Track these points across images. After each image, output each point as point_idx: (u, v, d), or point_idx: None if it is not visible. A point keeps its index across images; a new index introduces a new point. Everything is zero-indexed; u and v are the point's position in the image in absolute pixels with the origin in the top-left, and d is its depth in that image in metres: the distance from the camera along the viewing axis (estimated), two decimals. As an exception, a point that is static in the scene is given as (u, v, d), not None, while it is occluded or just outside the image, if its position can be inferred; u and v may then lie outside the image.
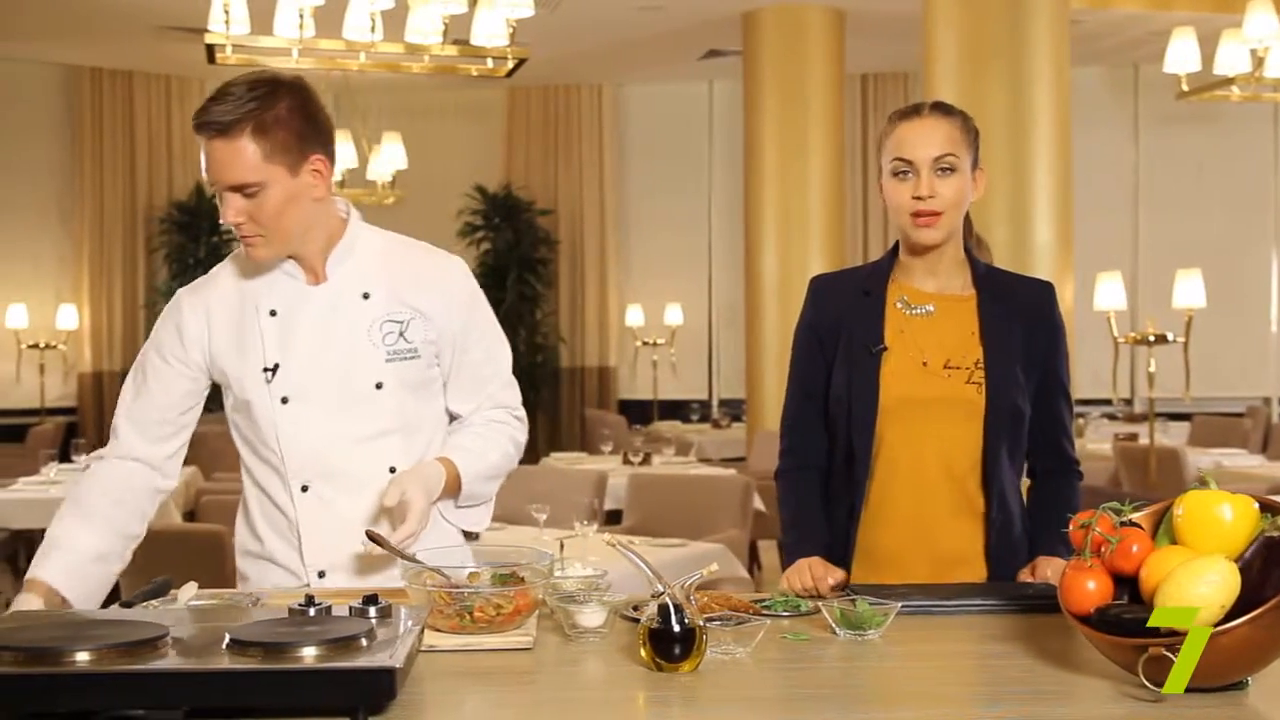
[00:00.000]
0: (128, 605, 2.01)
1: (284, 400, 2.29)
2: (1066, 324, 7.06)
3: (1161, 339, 7.13)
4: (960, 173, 2.33)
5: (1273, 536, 1.56)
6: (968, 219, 2.50)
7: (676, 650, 1.74)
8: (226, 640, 1.56)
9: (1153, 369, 7.19)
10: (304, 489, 2.31)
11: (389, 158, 9.54)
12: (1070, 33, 10.09)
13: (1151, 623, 1.57)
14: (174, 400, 2.37)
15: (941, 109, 2.38)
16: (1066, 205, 6.76)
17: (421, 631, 1.74)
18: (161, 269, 11.33)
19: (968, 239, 2.48)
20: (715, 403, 12.18)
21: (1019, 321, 2.39)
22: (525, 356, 11.90)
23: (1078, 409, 10.00)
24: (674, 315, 11.99)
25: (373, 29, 6.83)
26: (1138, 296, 11.16)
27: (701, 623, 1.76)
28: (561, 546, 2.41)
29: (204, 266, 11.19)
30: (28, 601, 2.18)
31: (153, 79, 11.41)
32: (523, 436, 2.48)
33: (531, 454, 10.50)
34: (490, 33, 6.74)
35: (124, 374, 10.10)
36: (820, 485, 2.46)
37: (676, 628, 1.74)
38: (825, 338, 2.43)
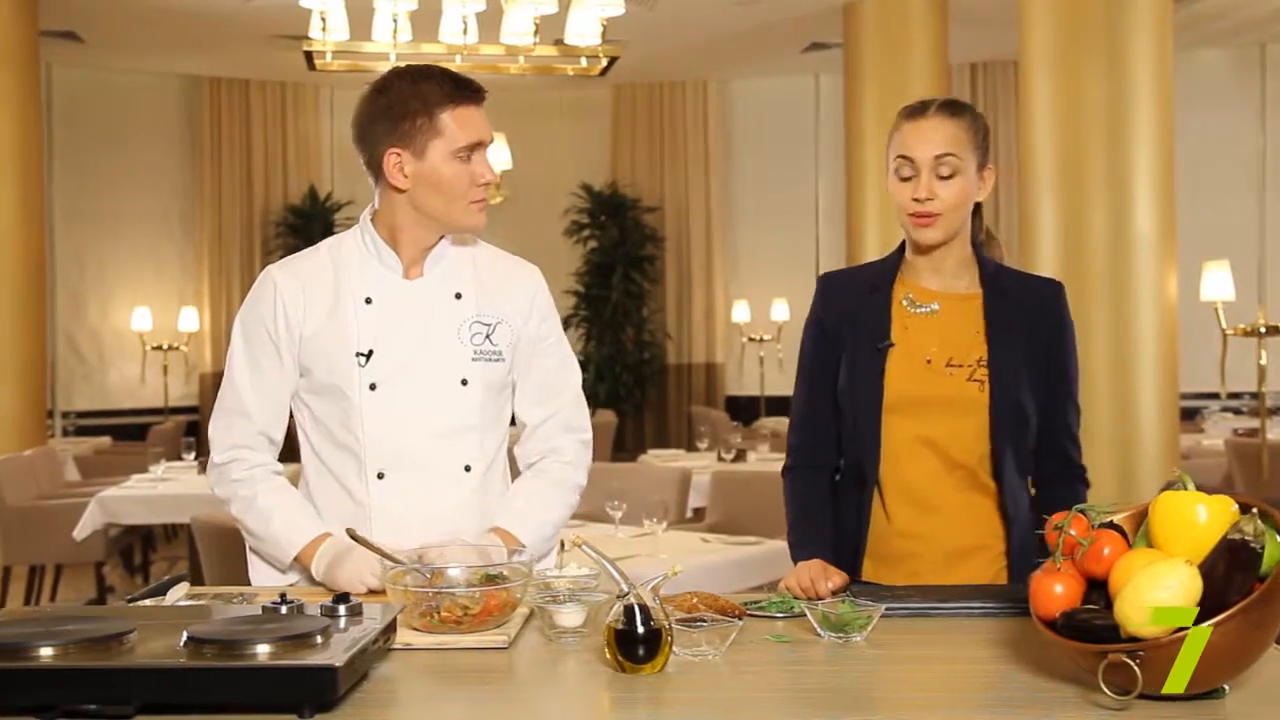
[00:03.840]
0: (132, 601, 2.08)
1: (372, 386, 2.34)
2: (1169, 316, 6.72)
3: (1274, 330, 6.85)
4: (963, 174, 2.32)
5: (1235, 540, 1.49)
6: (979, 215, 2.46)
7: (641, 651, 1.73)
8: (184, 637, 1.60)
9: (1264, 361, 6.91)
10: (380, 476, 2.35)
11: (494, 158, 9.64)
12: (1187, 14, 9.79)
13: (1131, 624, 1.52)
14: (290, 379, 2.40)
15: (948, 108, 2.36)
16: (1168, 194, 6.52)
17: (387, 630, 1.76)
18: (277, 271, 11.64)
19: (977, 235, 2.44)
20: (822, 399, 12.06)
21: (1025, 320, 2.35)
22: (632, 354, 11.94)
23: (1192, 403, 9.68)
24: (780, 311, 11.90)
25: (465, 32, 6.94)
26: (1266, 286, 10.75)
27: (668, 624, 1.75)
28: (563, 546, 2.40)
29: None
30: (342, 545, 2.26)
31: (268, 86, 11.73)
32: (583, 477, 2.52)
33: (633, 450, 10.55)
34: (584, 32, 6.80)
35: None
36: (827, 484, 2.44)
37: (641, 629, 1.73)
38: (832, 335, 2.43)
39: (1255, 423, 9.18)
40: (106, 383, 11.42)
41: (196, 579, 6.54)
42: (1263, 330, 6.84)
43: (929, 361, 2.33)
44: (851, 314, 2.40)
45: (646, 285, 12.03)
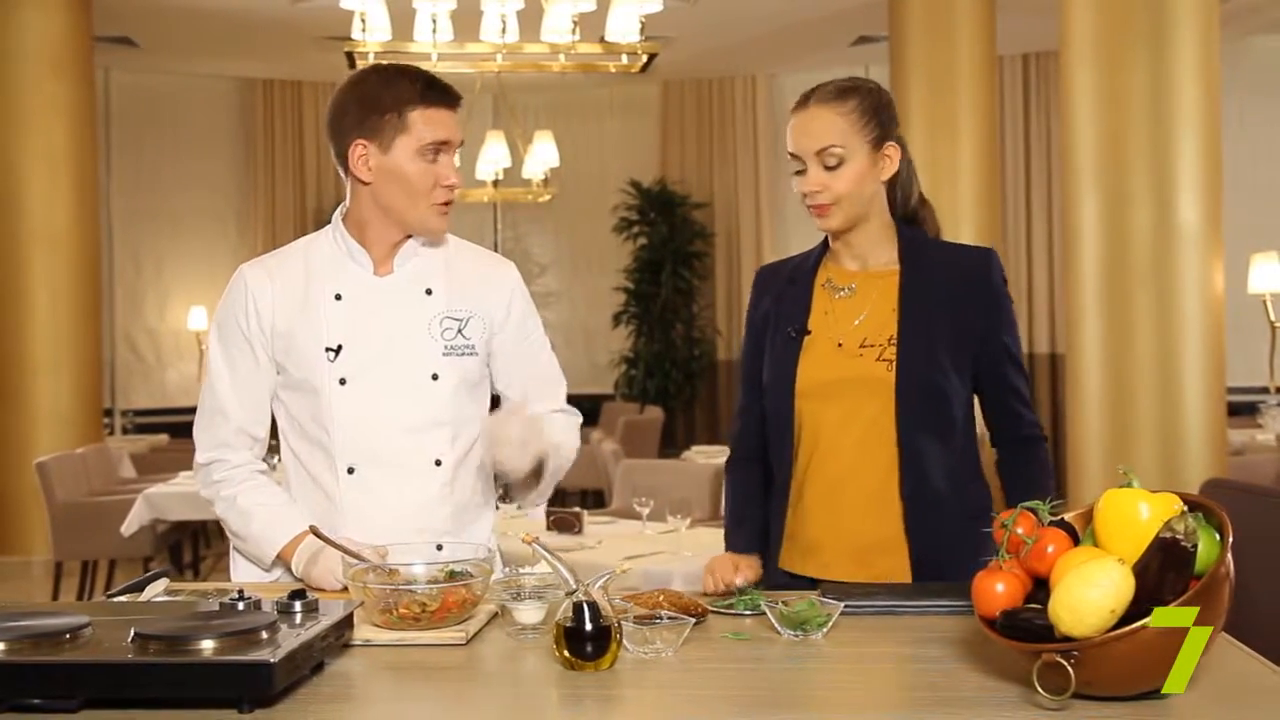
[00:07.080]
0: (110, 597, 2.12)
1: (342, 381, 2.35)
2: (1215, 309, 6.55)
3: (1325, 323, 6.70)
4: (852, 161, 2.29)
5: (1166, 538, 1.46)
6: (914, 179, 2.42)
7: (589, 648, 1.74)
8: (132, 634, 1.63)
9: (1312, 355, 6.76)
10: (350, 471, 2.37)
11: (541, 156, 9.69)
12: (1241, 2, 9.58)
13: (1063, 624, 1.50)
14: (268, 376, 2.42)
15: (829, 95, 2.32)
16: (1215, 185, 6.39)
17: (340, 626, 1.78)
18: (330, 270, 11.79)
19: (909, 204, 2.41)
20: (873, 394, 11.97)
21: (947, 293, 2.31)
22: (682, 350, 11.93)
23: (1245, 398, 9.49)
24: (831, 306, 11.81)
25: (503, 31, 7.00)
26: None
27: (617, 622, 1.75)
28: (530, 543, 2.41)
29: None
30: (319, 543, 2.23)
31: (320, 87, 11.87)
32: (578, 441, 2.56)
33: (682, 447, 10.54)
34: (624, 29, 6.81)
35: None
36: (760, 475, 2.45)
37: (589, 626, 1.74)
38: (761, 327, 2.44)
39: (1317, 417, 8.98)
40: (164, 381, 11.62)
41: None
42: (1313, 323, 6.69)
43: (841, 345, 2.32)
44: (776, 304, 2.42)
45: (696, 281, 12.02)
